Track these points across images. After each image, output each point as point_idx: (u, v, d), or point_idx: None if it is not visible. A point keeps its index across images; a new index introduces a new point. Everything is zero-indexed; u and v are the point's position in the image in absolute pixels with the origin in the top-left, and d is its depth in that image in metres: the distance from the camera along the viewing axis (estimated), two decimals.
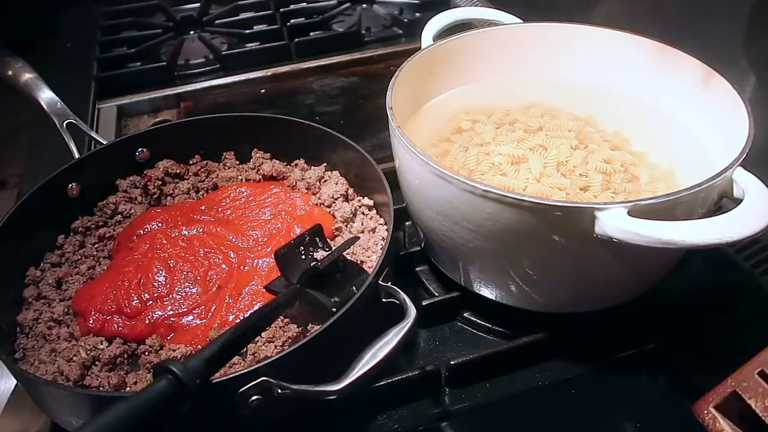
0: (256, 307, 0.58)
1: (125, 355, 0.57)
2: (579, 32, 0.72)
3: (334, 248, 0.61)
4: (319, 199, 0.71)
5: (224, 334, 0.46)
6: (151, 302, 0.60)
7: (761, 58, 0.71)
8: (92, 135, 0.76)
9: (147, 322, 0.58)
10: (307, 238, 0.62)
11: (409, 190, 0.61)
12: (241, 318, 0.58)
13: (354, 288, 0.56)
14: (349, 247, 0.60)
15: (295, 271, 0.57)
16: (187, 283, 0.61)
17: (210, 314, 0.59)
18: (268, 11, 1.26)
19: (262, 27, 1.22)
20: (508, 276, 0.56)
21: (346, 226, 0.68)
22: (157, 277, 0.61)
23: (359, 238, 0.64)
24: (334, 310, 0.52)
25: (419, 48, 0.70)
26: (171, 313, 0.59)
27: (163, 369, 0.42)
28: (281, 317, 0.56)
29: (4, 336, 0.57)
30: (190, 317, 0.59)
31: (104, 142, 0.74)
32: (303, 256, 0.61)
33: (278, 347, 0.55)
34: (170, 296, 0.60)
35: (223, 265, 0.63)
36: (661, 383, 0.59)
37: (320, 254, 0.61)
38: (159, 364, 0.43)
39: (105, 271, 0.65)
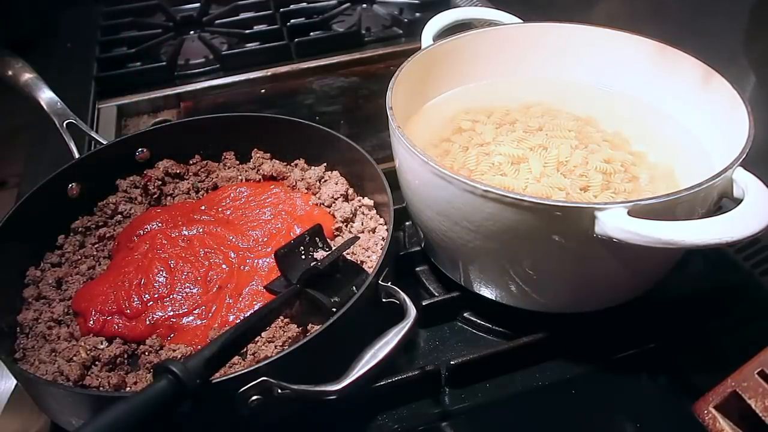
0: (256, 307, 0.58)
1: (125, 355, 0.57)
2: (579, 32, 0.72)
3: (334, 248, 0.61)
4: (319, 199, 0.71)
5: (224, 334, 0.46)
6: (151, 303, 0.60)
7: (761, 58, 0.71)
8: (92, 135, 0.76)
9: (147, 322, 0.58)
10: (307, 238, 0.62)
11: (409, 190, 0.61)
12: (241, 318, 0.58)
13: (354, 288, 0.56)
14: (349, 247, 0.60)
15: (295, 271, 0.57)
16: (187, 284, 0.61)
17: (210, 314, 0.59)
18: (268, 11, 1.26)
19: (262, 27, 1.22)
20: (508, 276, 0.56)
21: (346, 226, 0.68)
22: (157, 278, 0.61)
23: (359, 238, 0.64)
24: (334, 310, 0.52)
25: (419, 48, 0.70)
26: (171, 313, 0.59)
27: (163, 369, 0.42)
28: (281, 317, 0.56)
29: (4, 336, 0.57)
30: (191, 317, 0.59)
31: (104, 142, 0.74)
32: (303, 256, 0.61)
33: (278, 347, 0.54)
34: (170, 296, 0.60)
35: (224, 266, 0.63)
36: (661, 383, 0.59)
37: (320, 254, 0.61)
38: (159, 364, 0.43)
39: (105, 271, 0.65)
